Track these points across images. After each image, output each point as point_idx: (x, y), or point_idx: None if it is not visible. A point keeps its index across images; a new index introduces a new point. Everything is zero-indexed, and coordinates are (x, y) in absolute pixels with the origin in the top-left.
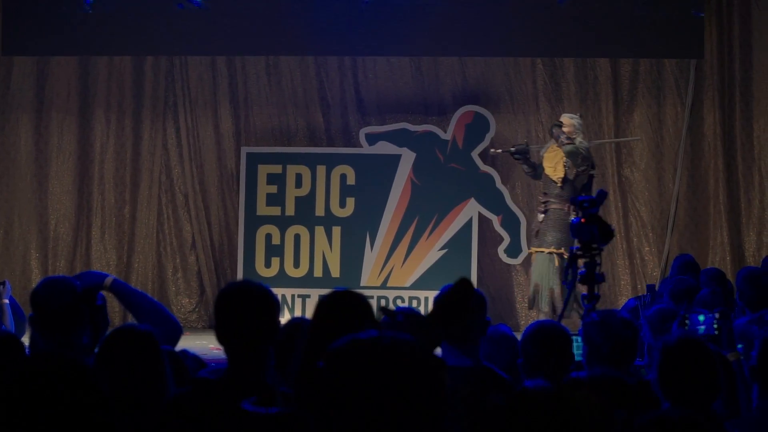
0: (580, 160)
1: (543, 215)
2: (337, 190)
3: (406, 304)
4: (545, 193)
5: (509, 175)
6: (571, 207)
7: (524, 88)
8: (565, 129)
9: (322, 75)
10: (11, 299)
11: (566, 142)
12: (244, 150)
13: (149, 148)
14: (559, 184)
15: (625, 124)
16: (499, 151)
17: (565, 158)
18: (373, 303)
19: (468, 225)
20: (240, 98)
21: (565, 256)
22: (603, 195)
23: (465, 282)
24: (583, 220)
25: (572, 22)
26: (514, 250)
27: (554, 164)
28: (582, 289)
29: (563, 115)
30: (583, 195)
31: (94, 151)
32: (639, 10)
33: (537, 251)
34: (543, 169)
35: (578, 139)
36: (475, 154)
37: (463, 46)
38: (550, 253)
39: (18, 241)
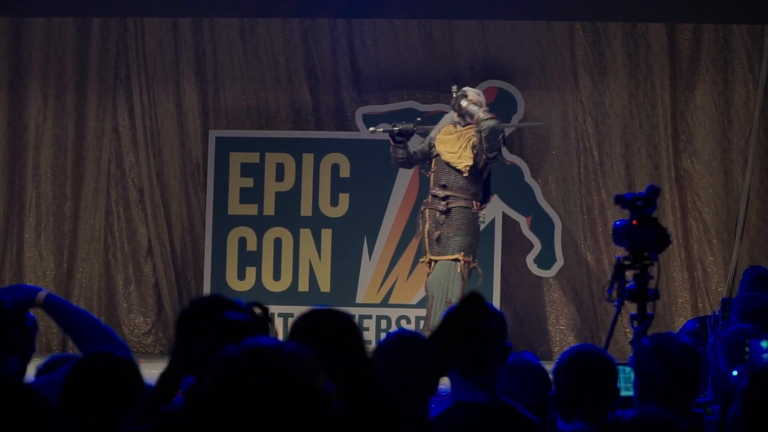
0: (501, 140)
1: (444, 215)
2: (328, 185)
3: (411, 327)
4: (443, 186)
5: (541, 167)
6: (478, 204)
7: (560, 58)
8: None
9: (309, 42)
10: None
11: (487, 116)
12: (213, 134)
13: (96, 132)
14: (465, 174)
15: (684, 104)
16: (380, 129)
17: (474, 140)
18: (372, 324)
19: (490, 228)
20: (208, 70)
21: (473, 266)
22: (655, 192)
23: (475, 297)
24: (635, 222)
25: None
26: (546, 260)
27: (458, 149)
28: (630, 307)
29: (468, 88)
30: (628, 193)
31: (28, 134)
32: None
33: (439, 259)
34: (431, 155)
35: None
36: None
37: (485, 7)
38: (455, 260)
39: None
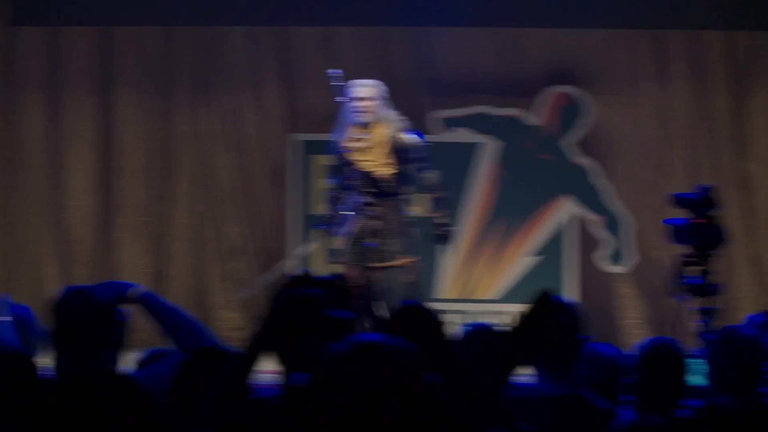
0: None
1: (377, 221)
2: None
3: (489, 321)
4: (371, 192)
5: (611, 167)
6: (409, 205)
7: (624, 64)
8: (364, 103)
9: (385, 49)
10: (26, 312)
11: (404, 127)
12: (295, 138)
13: (183, 135)
14: (390, 182)
15: (744, 108)
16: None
17: (391, 148)
18: (451, 319)
19: (562, 227)
20: (290, 77)
21: (418, 264)
22: (712, 192)
23: (545, 295)
24: (697, 221)
25: None
26: (616, 256)
27: (379, 157)
28: (696, 301)
29: (359, 83)
30: (687, 193)
31: (119, 138)
32: None
33: (385, 266)
34: (346, 162)
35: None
36: (568, 143)
37: (553, 16)
38: (403, 265)
39: (30, 245)
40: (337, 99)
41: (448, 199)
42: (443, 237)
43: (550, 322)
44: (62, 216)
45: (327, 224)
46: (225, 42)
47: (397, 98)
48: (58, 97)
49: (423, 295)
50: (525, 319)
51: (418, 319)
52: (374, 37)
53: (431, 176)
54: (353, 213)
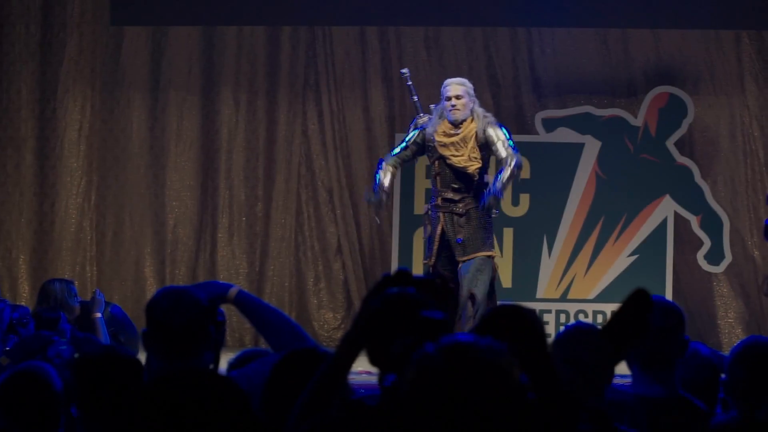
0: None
1: (463, 218)
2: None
3: (589, 320)
4: (457, 189)
5: (711, 168)
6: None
7: (727, 65)
8: (458, 101)
9: (491, 49)
10: (119, 312)
11: (491, 120)
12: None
13: (286, 135)
14: (476, 178)
15: None
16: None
17: (476, 143)
18: (551, 318)
19: (662, 226)
20: (394, 76)
21: (495, 257)
22: None
23: (641, 293)
24: None
25: None
26: (715, 256)
27: (466, 152)
28: None
29: (454, 81)
30: None
31: (221, 138)
32: None
33: (467, 259)
34: (428, 154)
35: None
36: (670, 144)
37: (657, 17)
38: (488, 256)
39: (129, 245)
40: (413, 98)
41: (513, 178)
42: (488, 199)
43: (646, 321)
44: (162, 216)
45: (375, 192)
46: (329, 42)
47: (501, 98)
48: (159, 96)
49: (498, 289)
50: (617, 317)
51: (517, 320)
52: (479, 37)
53: (515, 156)
54: (438, 210)
